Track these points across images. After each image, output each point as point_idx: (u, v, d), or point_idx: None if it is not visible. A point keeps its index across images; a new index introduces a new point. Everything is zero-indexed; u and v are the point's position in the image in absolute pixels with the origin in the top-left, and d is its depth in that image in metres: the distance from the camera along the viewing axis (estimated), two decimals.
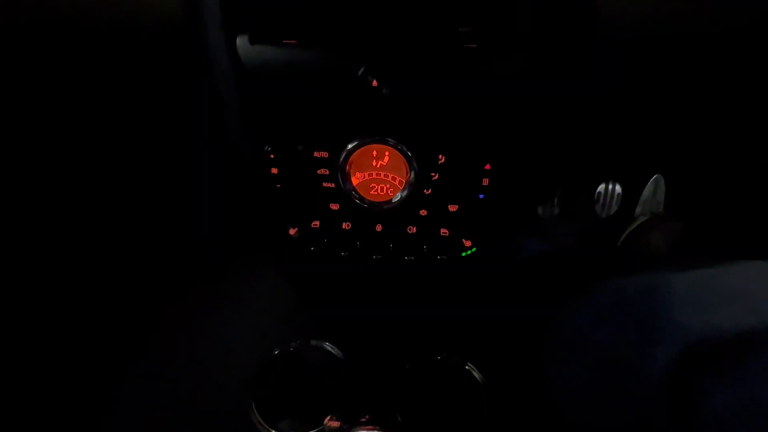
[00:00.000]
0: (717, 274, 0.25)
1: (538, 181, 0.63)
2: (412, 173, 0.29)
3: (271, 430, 0.39)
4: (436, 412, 0.40)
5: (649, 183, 0.88)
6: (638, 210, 0.91)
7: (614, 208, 0.87)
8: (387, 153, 0.29)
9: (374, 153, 0.29)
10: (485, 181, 0.30)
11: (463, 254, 0.34)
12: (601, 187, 0.86)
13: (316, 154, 0.30)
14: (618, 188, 0.86)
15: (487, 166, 0.29)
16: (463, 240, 0.34)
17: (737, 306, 0.21)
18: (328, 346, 0.43)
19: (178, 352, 0.56)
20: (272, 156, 0.30)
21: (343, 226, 0.34)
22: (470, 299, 0.44)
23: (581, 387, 0.29)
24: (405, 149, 0.29)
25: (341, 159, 0.29)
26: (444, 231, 0.33)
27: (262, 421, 0.39)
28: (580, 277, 0.41)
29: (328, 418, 0.37)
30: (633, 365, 0.24)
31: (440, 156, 0.30)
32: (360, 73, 0.25)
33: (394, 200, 0.31)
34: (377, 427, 0.21)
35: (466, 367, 0.41)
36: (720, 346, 0.20)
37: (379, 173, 0.30)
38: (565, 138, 0.43)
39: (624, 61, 0.33)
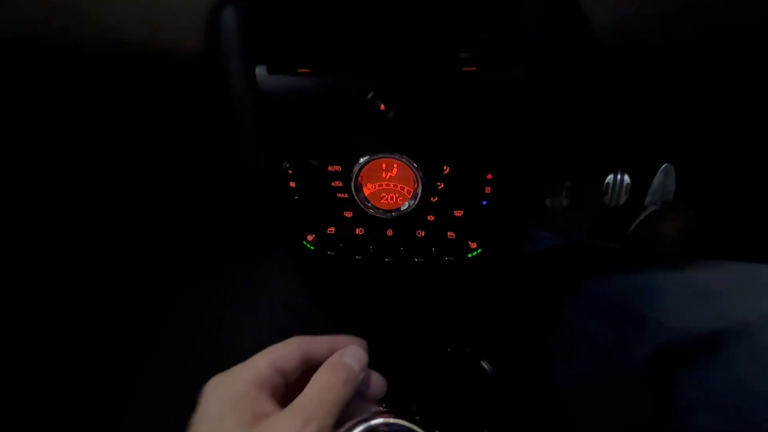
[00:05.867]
0: (691, 275, 0.27)
1: (542, 183, 0.65)
2: (419, 183, 0.32)
3: None
4: (448, 401, 0.43)
5: (659, 171, 0.88)
6: (648, 199, 0.90)
7: (623, 198, 0.88)
8: (395, 165, 0.32)
9: (383, 166, 0.32)
10: (488, 189, 0.32)
11: (469, 255, 0.36)
12: (610, 178, 0.86)
13: (330, 168, 0.32)
14: (627, 178, 0.86)
15: (489, 176, 0.31)
16: (469, 242, 0.36)
17: (704, 307, 0.23)
18: None
19: (195, 346, 0.60)
20: (290, 171, 0.33)
21: (357, 232, 0.36)
22: (478, 296, 0.46)
23: (579, 379, 0.32)
24: (412, 162, 0.31)
25: (354, 172, 0.32)
26: (451, 234, 0.36)
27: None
28: (586, 271, 0.43)
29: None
30: (618, 360, 0.27)
31: (445, 167, 0.32)
32: (369, 97, 0.27)
33: (402, 208, 0.33)
34: (393, 414, 0.24)
35: (476, 360, 0.44)
36: (689, 343, 0.22)
37: (389, 184, 0.33)
38: (569, 139, 0.44)
39: (625, 59, 0.34)
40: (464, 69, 0.26)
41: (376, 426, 0.23)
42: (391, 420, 0.23)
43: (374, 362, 0.45)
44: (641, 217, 0.87)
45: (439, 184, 0.33)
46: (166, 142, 0.48)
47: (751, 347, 0.20)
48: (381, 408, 0.29)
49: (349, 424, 0.23)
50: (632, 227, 0.87)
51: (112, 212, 0.69)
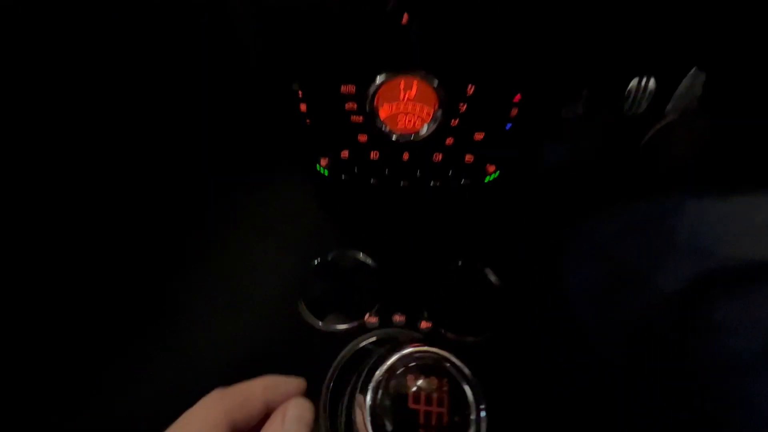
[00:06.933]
0: (745, 209, 0.26)
1: (569, 99, 0.60)
2: (440, 105, 0.30)
3: (318, 322, 0.47)
4: (457, 309, 0.47)
5: (686, 77, 0.81)
6: (670, 106, 0.86)
7: (644, 105, 0.83)
8: (415, 84, 0.29)
9: (402, 85, 0.29)
10: (514, 111, 0.30)
11: (487, 179, 0.36)
12: (634, 83, 0.79)
13: (343, 88, 0.30)
14: (652, 83, 0.80)
15: (517, 97, 0.29)
16: (488, 165, 0.35)
17: (762, 240, 0.24)
18: (361, 256, 0.48)
19: (225, 264, 0.63)
20: (300, 94, 0.30)
21: (372, 156, 0.35)
22: (492, 213, 0.47)
23: (595, 294, 0.34)
24: (433, 80, 0.28)
25: (369, 93, 0.29)
26: (469, 158, 0.35)
27: (311, 315, 0.47)
28: (602, 188, 0.42)
29: (367, 315, 0.45)
30: (646, 277, 0.28)
31: (469, 86, 0.29)
32: (389, 7, 0.23)
33: (421, 132, 0.32)
34: (426, 343, 0.26)
35: (484, 271, 0.47)
36: (736, 272, 0.23)
37: (407, 105, 0.31)
38: (600, 47, 0.39)
39: None
40: None
41: (409, 353, 0.25)
42: (422, 348, 0.26)
43: (388, 274, 0.48)
44: (654, 129, 0.84)
45: (461, 105, 0.30)
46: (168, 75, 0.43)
47: None
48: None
49: (384, 352, 0.26)
50: (645, 138, 0.85)
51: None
